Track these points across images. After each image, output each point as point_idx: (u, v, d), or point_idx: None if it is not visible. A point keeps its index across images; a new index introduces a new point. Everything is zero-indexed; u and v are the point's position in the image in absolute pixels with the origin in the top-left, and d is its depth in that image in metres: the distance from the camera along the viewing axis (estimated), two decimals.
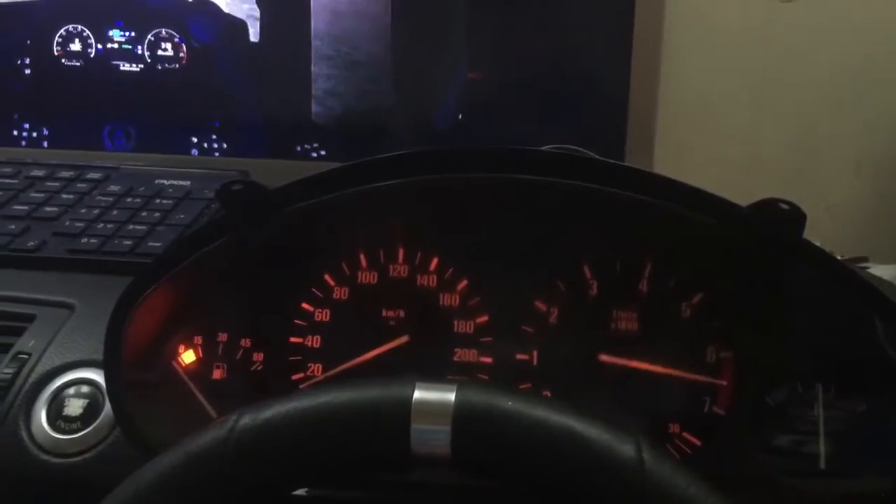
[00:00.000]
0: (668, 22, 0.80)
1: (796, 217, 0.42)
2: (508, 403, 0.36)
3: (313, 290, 0.52)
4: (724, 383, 0.49)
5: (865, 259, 0.68)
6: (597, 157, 0.47)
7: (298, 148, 0.84)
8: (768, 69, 0.89)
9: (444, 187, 0.47)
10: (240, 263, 0.49)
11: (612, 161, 0.45)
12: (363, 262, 0.52)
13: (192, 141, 0.85)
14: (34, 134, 0.86)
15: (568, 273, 0.51)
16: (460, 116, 0.83)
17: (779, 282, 0.46)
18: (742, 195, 0.87)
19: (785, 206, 0.42)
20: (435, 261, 0.52)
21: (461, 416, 0.35)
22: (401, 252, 0.52)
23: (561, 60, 0.82)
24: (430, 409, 0.35)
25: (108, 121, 0.85)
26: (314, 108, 0.84)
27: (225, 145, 0.85)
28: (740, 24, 0.89)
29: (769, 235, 0.42)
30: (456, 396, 0.35)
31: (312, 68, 0.83)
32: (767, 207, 0.42)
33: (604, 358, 0.50)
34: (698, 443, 0.49)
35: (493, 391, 0.36)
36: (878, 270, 0.65)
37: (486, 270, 0.51)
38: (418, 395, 0.35)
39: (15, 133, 0.86)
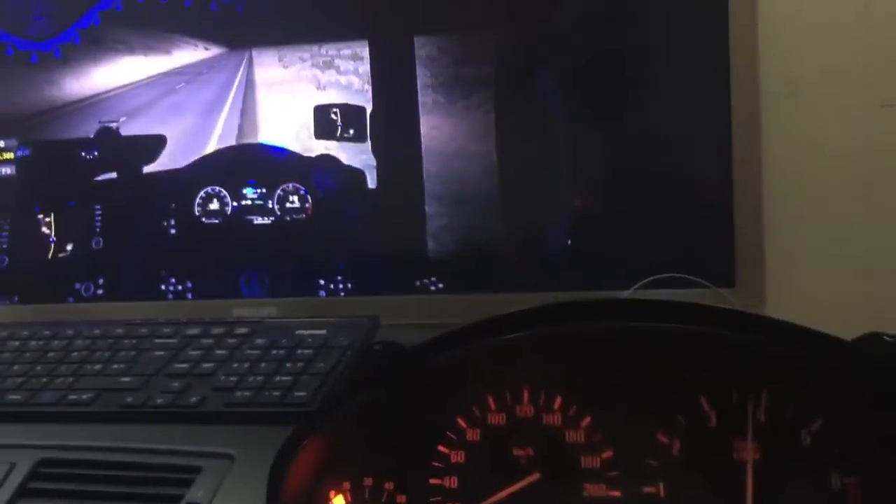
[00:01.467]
0: (766, 135, 0.83)
1: None
2: None
3: (448, 433, 0.56)
4: None
5: None
6: (709, 305, 0.50)
7: (417, 283, 0.90)
8: (876, 173, 0.89)
9: (566, 337, 0.51)
10: (381, 414, 0.54)
11: (721, 307, 0.49)
12: (491, 405, 0.56)
13: (319, 283, 0.92)
14: (179, 287, 0.95)
15: (686, 406, 0.53)
16: (569, 242, 0.87)
17: (893, 407, 0.48)
18: (859, 302, 0.87)
19: (889, 339, 0.44)
20: (559, 399, 0.55)
21: None
22: (526, 393, 0.56)
23: (663, 182, 0.85)
24: None
25: (243, 270, 0.93)
26: (430, 244, 0.89)
27: (349, 285, 0.91)
28: (841, 131, 0.90)
29: (877, 368, 0.45)
30: None
31: (426, 208, 0.89)
32: (872, 341, 0.45)
33: (729, 487, 0.52)
34: None
35: None
36: None
37: (608, 407, 0.54)
38: None
39: (163, 287, 0.95)
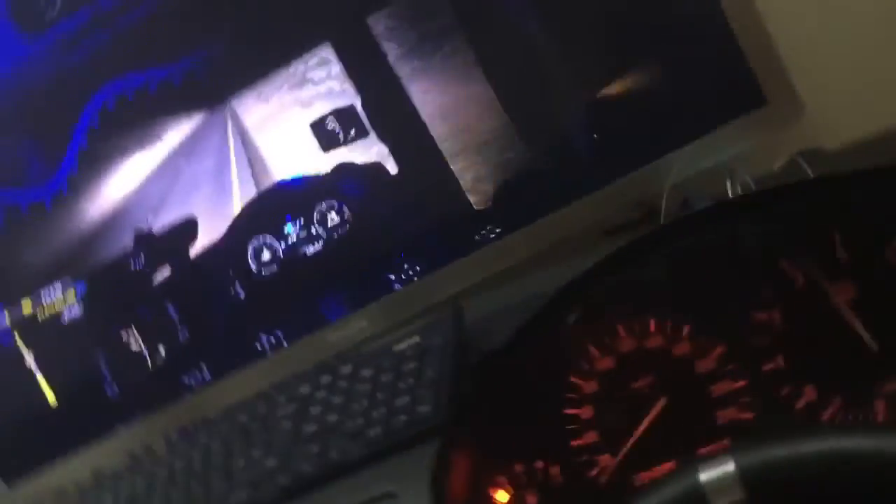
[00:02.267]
0: None
1: None
2: (782, 450, 0.40)
3: (568, 393, 0.58)
4: None
5: None
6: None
7: (476, 237, 0.91)
8: None
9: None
10: (504, 411, 0.57)
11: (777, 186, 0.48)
12: (595, 353, 0.58)
13: (390, 279, 0.94)
14: (272, 339, 0.98)
15: (771, 276, 0.54)
16: (595, 136, 0.87)
17: None
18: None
19: None
20: (653, 323, 0.57)
21: (750, 482, 0.40)
22: (620, 328, 0.58)
23: (659, 41, 0.83)
24: (721, 486, 0.40)
25: (320, 299, 0.96)
26: (471, 198, 0.90)
27: (418, 268, 0.93)
28: None
29: None
30: (736, 464, 0.40)
31: (452, 167, 0.90)
32: None
33: (840, 331, 0.53)
34: None
35: (762, 445, 0.41)
36: None
37: (700, 311, 0.56)
38: (704, 476, 0.41)
39: (258, 346, 0.98)
